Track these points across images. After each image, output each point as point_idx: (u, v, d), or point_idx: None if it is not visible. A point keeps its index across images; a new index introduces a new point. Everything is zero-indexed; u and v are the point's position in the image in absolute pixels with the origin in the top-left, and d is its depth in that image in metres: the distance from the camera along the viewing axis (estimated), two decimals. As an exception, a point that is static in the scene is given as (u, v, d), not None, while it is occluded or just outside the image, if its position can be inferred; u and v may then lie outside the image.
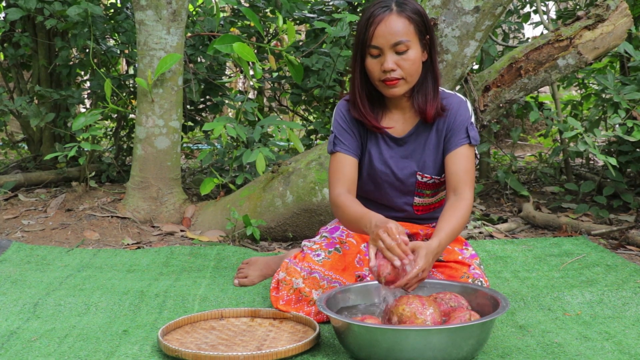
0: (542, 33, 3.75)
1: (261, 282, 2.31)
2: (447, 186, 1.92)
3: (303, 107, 4.63)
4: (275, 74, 4.37)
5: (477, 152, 2.03)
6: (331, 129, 2.03)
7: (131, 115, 4.14)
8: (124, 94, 3.94)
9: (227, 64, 4.65)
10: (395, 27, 1.82)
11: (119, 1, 4.07)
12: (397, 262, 1.63)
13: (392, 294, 1.71)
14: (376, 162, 1.99)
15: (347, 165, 1.97)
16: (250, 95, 5.43)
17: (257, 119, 3.53)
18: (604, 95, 3.32)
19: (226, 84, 4.34)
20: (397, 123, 1.98)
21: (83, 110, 4.77)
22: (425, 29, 1.87)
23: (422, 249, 1.66)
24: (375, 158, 1.99)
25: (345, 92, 4.03)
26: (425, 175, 1.98)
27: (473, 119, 1.96)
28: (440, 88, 1.98)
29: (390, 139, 1.98)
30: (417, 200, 2.03)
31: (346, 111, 2.00)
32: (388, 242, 1.65)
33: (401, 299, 1.64)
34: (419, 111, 1.93)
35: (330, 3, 4.11)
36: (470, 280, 1.90)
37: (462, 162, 1.90)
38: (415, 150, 1.98)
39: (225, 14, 4.46)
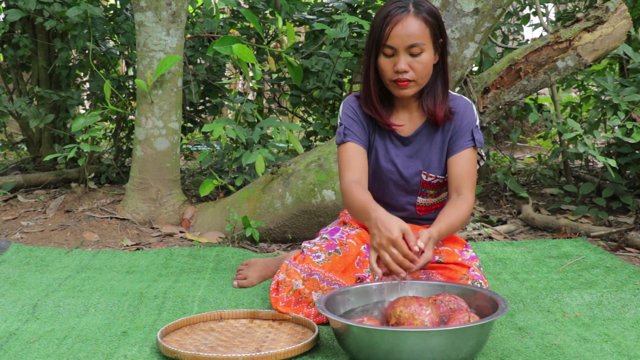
0: (541, 35, 3.75)
1: (260, 283, 2.31)
2: (449, 187, 1.94)
3: (302, 108, 4.64)
4: (274, 76, 4.37)
5: (483, 152, 2.05)
6: (339, 122, 2.03)
7: (130, 117, 4.14)
8: (124, 95, 3.94)
9: (227, 65, 4.65)
10: (411, 29, 1.83)
11: (118, 2, 4.07)
12: (403, 274, 1.65)
13: (392, 287, 1.72)
14: (382, 160, 2.01)
15: (358, 154, 1.98)
16: (250, 97, 5.44)
17: (256, 120, 3.53)
18: (603, 97, 3.32)
19: (225, 86, 4.34)
20: (404, 122, 2.00)
21: (82, 111, 4.77)
22: (439, 31, 1.89)
23: (424, 236, 1.68)
24: (381, 156, 2.01)
25: (344, 94, 4.04)
26: (430, 174, 2.00)
27: (478, 122, 1.98)
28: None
29: (396, 138, 2.00)
30: (420, 200, 2.04)
31: (356, 106, 2.01)
32: (395, 257, 1.65)
33: (399, 300, 1.64)
34: (428, 113, 1.95)
35: (330, 5, 4.11)
36: (469, 282, 1.90)
37: (465, 164, 1.93)
38: (421, 149, 2.00)
39: (224, 16, 4.47)
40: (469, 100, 2.00)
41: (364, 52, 1.96)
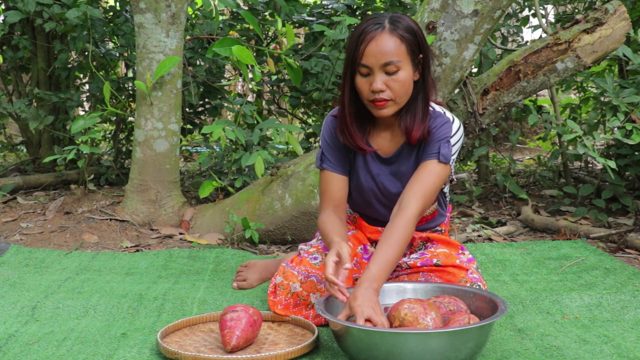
0: (540, 36, 3.75)
1: (260, 285, 2.31)
2: (400, 196, 1.86)
3: (302, 110, 4.64)
4: (274, 77, 4.37)
5: (452, 173, 1.99)
6: (319, 143, 2.01)
7: (130, 118, 4.14)
8: (123, 97, 3.94)
9: (226, 67, 4.65)
10: (386, 46, 1.77)
11: (118, 4, 4.07)
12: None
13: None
14: (363, 179, 1.98)
15: (333, 183, 1.97)
16: (249, 98, 5.44)
17: (256, 122, 3.53)
18: (602, 99, 3.32)
19: (225, 87, 4.34)
20: (385, 141, 1.96)
21: (82, 113, 4.77)
22: (418, 48, 1.82)
23: (354, 298, 1.63)
24: (362, 175, 1.98)
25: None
26: None
27: (455, 140, 1.89)
28: (432, 105, 1.93)
29: (377, 158, 1.97)
30: None
31: (333, 127, 1.97)
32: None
33: (402, 302, 1.64)
34: (405, 132, 1.88)
35: (329, 6, 4.12)
36: (468, 285, 1.90)
37: (422, 174, 1.84)
38: (403, 168, 1.95)
39: (224, 17, 4.47)
40: (451, 118, 1.91)
41: (342, 72, 1.89)
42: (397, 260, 1.75)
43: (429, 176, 1.84)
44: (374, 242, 2.07)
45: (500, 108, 2.90)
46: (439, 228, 2.12)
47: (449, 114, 1.93)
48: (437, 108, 1.95)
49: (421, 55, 1.84)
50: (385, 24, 1.80)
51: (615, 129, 3.04)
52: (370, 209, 2.03)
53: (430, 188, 1.84)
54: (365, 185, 1.98)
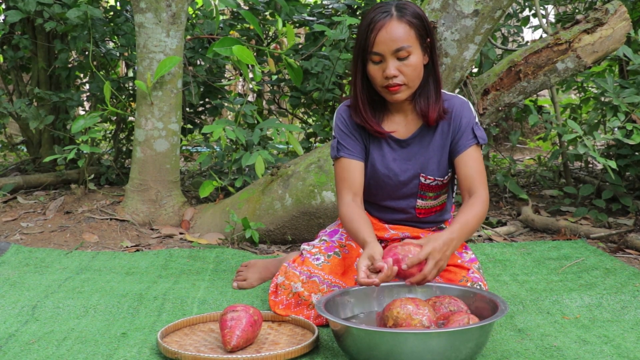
0: (541, 37, 3.75)
1: (260, 284, 2.31)
2: (461, 188, 1.92)
3: (302, 110, 4.64)
4: (274, 77, 4.37)
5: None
6: (332, 134, 2.03)
7: (130, 118, 4.14)
8: (123, 97, 3.94)
9: (227, 66, 4.65)
10: (396, 33, 1.82)
11: (118, 4, 4.07)
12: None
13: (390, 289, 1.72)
14: (379, 166, 1.99)
15: (352, 170, 1.97)
16: (250, 98, 5.44)
17: (256, 121, 3.53)
18: (603, 99, 3.32)
19: (225, 87, 4.34)
20: (400, 126, 1.99)
21: (82, 112, 4.77)
22: (425, 32, 1.88)
23: (428, 244, 1.67)
24: (378, 161, 1.99)
25: (344, 95, 4.04)
26: (429, 177, 1.98)
27: (477, 119, 1.97)
28: (442, 90, 1.99)
29: (394, 142, 1.99)
30: (419, 202, 2.03)
31: (347, 116, 2.00)
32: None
33: (394, 302, 1.64)
34: (421, 114, 1.94)
35: (330, 6, 4.11)
36: (469, 284, 1.90)
37: (473, 163, 1.91)
38: (419, 152, 1.98)
39: (224, 17, 4.47)
40: (464, 99, 1.99)
41: (352, 61, 1.95)
42: (472, 227, 1.79)
43: (479, 162, 1.92)
44: (381, 241, 2.08)
45: (500, 108, 2.90)
46: (443, 226, 2.13)
47: (459, 96, 2.01)
48: (444, 91, 2.02)
49: (428, 39, 1.89)
50: (393, 11, 1.84)
51: (616, 129, 3.04)
52: (382, 195, 2.05)
53: (484, 171, 1.92)
54: (381, 171, 2.00)
